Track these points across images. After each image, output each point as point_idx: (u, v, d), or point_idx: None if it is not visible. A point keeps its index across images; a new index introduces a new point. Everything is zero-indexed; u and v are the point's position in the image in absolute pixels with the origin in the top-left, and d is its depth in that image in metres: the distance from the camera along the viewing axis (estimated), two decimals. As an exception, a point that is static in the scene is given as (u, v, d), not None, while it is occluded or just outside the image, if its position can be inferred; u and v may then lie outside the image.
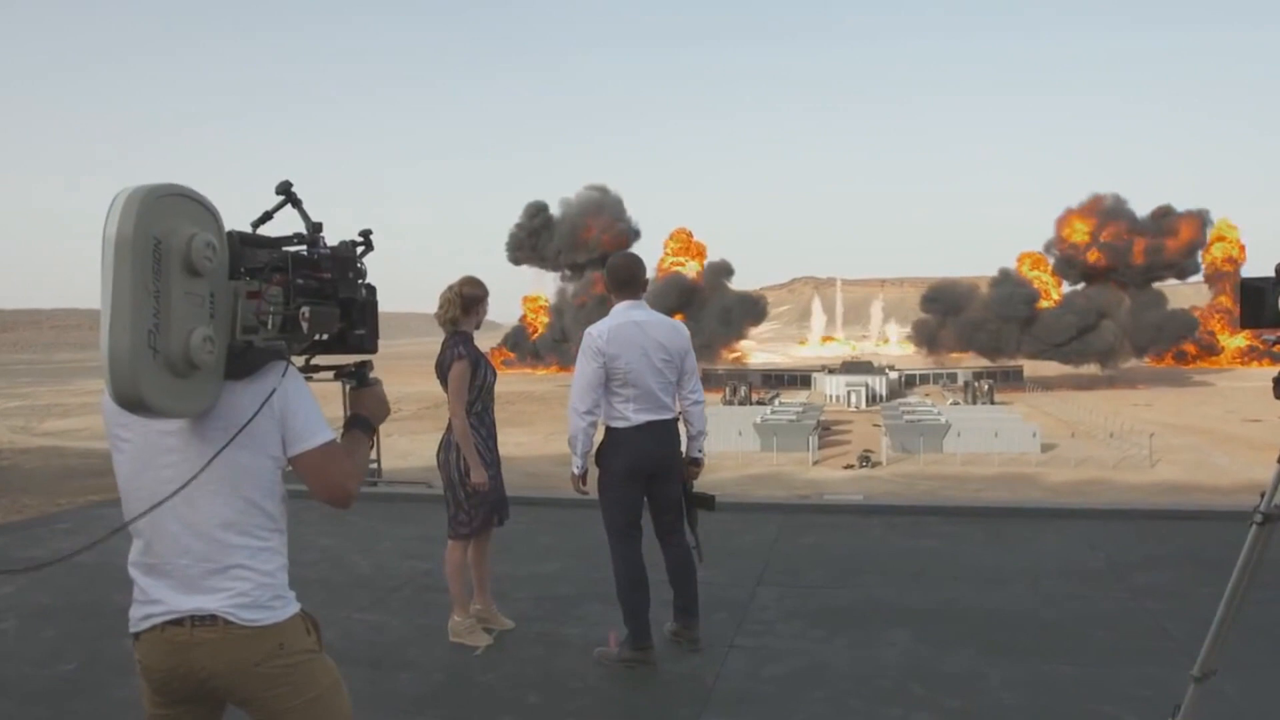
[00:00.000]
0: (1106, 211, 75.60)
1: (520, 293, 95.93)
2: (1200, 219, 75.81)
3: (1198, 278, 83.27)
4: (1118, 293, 72.81)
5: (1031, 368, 65.13)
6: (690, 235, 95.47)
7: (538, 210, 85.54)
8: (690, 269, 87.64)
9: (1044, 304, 71.41)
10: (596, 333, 4.19)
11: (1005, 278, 74.52)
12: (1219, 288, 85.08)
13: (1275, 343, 3.12)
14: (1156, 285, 75.61)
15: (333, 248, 2.04)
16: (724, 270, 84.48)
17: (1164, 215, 75.77)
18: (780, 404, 39.66)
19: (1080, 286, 75.63)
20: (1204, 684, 3.15)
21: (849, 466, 27.78)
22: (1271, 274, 3.08)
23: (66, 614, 5.15)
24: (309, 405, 1.98)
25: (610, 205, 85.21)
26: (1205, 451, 27.69)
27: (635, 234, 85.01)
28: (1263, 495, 3.09)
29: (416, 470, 14.41)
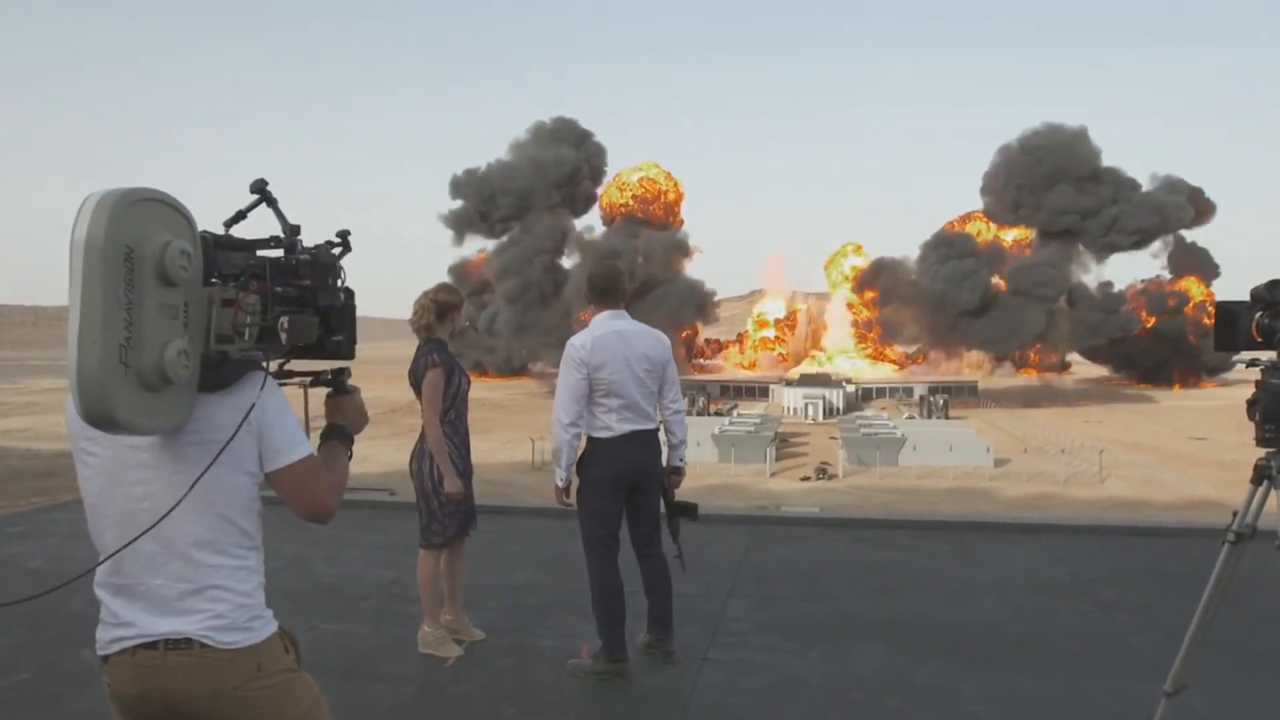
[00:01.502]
0: (1055, 146, 56.43)
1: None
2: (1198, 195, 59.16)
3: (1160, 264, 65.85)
4: (1070, 258, 55.99)
5: (986, 381, 64.21)
6: (670, 183, 67.64)
7: (484, 183, 61.66)
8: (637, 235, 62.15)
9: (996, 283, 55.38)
10: (579, 344, 4.16)
11: (951, 245, 56.31)
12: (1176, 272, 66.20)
13: (1249, 365, 3.20)
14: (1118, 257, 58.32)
15: (312, 253, 1.95)
16: (679, 248, 61.62)
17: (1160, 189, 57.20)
18: (738, 415, 39.80)
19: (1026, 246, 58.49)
20: (1175, 699, 3.21)
21: (806, 478, 27.91)
22: (1246, 298, 3.16)
23: (19, 622, 4.97)
24: (287, 418, 1.91)
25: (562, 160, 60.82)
26: (1153, 468, 28.27)
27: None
28: (1235, 515, 3.15)
29: (373, 476, 14.22)
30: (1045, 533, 7.23)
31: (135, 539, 1.76)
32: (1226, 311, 3.22)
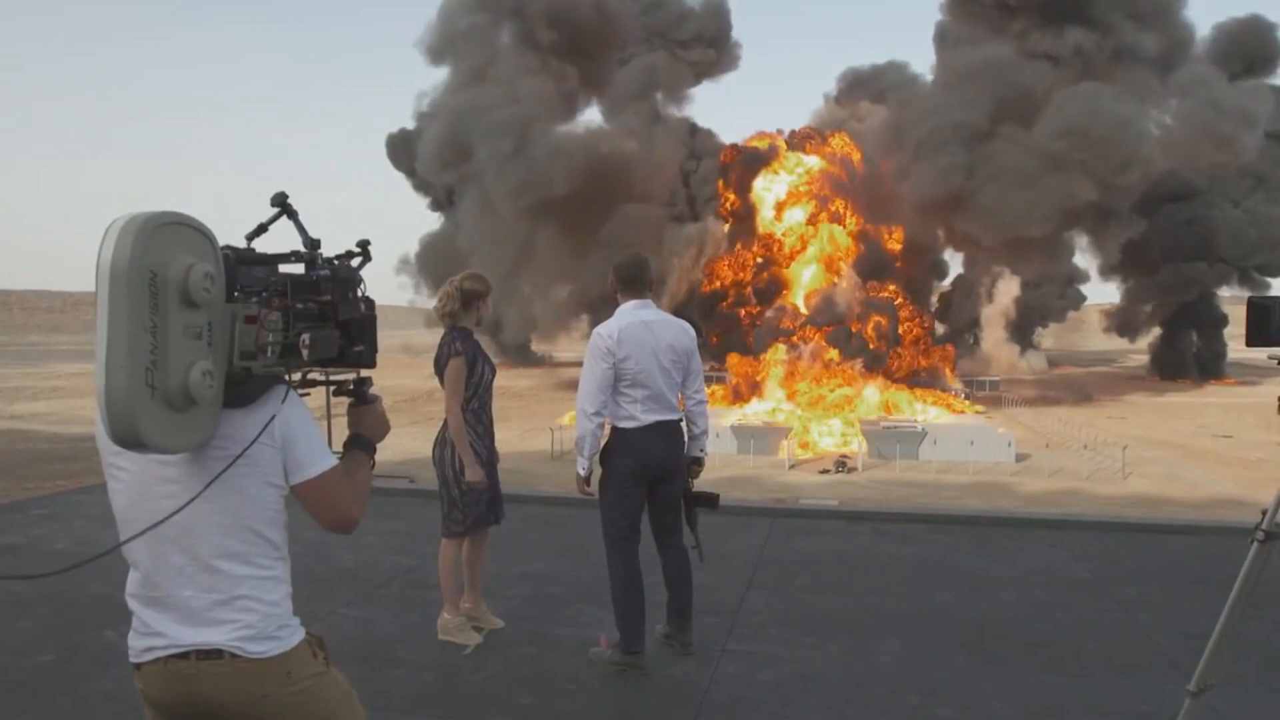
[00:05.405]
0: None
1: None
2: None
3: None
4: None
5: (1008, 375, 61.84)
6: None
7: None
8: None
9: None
10: (605, 333, 4.15)
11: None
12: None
13: (1281, 361, 3.15)
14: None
15: (333, 267, 1.97)
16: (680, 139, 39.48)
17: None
18: (758, 406, 39.69)
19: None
20: (1199, 699, 3.16)
21: (825, 471, 27.84)
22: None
23: (43, 603, 5.04)
24: (310, 431, 1.94)
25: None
26: (1176, 465, 27.94)
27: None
28: (1264, 514, 3.11)
29: (392, 464, 14.30)
30: (1067, 529, 7.17)
31: (142, 533, 1.80)
32: (1259, 307, 3.17)
